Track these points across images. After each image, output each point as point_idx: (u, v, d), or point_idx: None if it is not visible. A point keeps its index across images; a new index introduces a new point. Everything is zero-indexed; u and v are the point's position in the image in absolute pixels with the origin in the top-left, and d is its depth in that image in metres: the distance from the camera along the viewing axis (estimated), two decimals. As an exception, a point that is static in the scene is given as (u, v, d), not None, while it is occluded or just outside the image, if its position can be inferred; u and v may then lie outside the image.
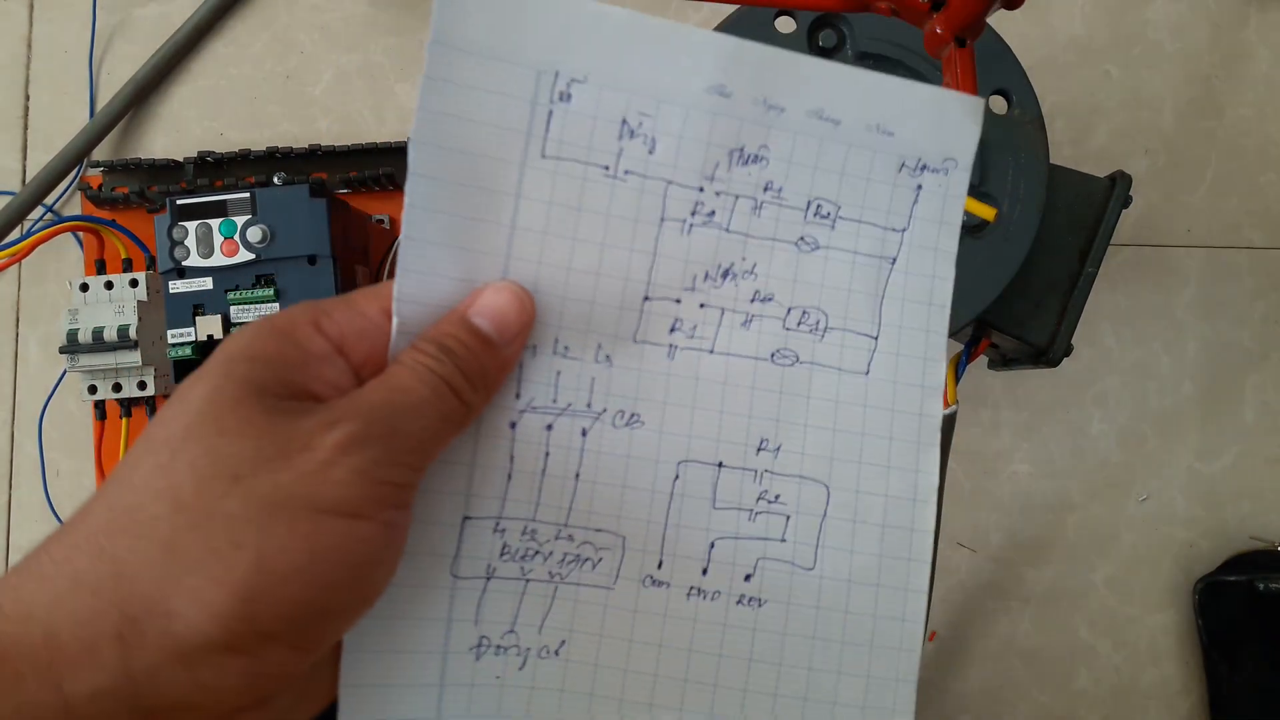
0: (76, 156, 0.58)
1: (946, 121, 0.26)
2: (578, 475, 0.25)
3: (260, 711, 0.21)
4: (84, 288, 0.51)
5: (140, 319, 0.51)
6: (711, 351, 0.26)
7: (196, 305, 0.46)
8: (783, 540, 0.26)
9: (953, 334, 0.43)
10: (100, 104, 0.60)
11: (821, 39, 0.42)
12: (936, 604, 0.57)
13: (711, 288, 0.26)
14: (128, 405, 0.54)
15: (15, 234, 0.58)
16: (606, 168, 0.24)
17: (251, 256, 0.46)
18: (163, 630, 0.18)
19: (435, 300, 0.23)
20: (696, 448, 0.26)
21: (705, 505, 0.26)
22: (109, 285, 0.51)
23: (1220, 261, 0.59)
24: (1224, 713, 0.56)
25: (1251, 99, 0.59)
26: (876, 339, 0.26)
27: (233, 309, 0.46)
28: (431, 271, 0.23)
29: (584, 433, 0.25)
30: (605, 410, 0.25)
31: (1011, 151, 0.42)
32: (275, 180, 0.52)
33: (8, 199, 0.58)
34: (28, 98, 0.61)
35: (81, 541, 0.19)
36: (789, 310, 0.26)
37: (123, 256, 0.54)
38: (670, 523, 0.26)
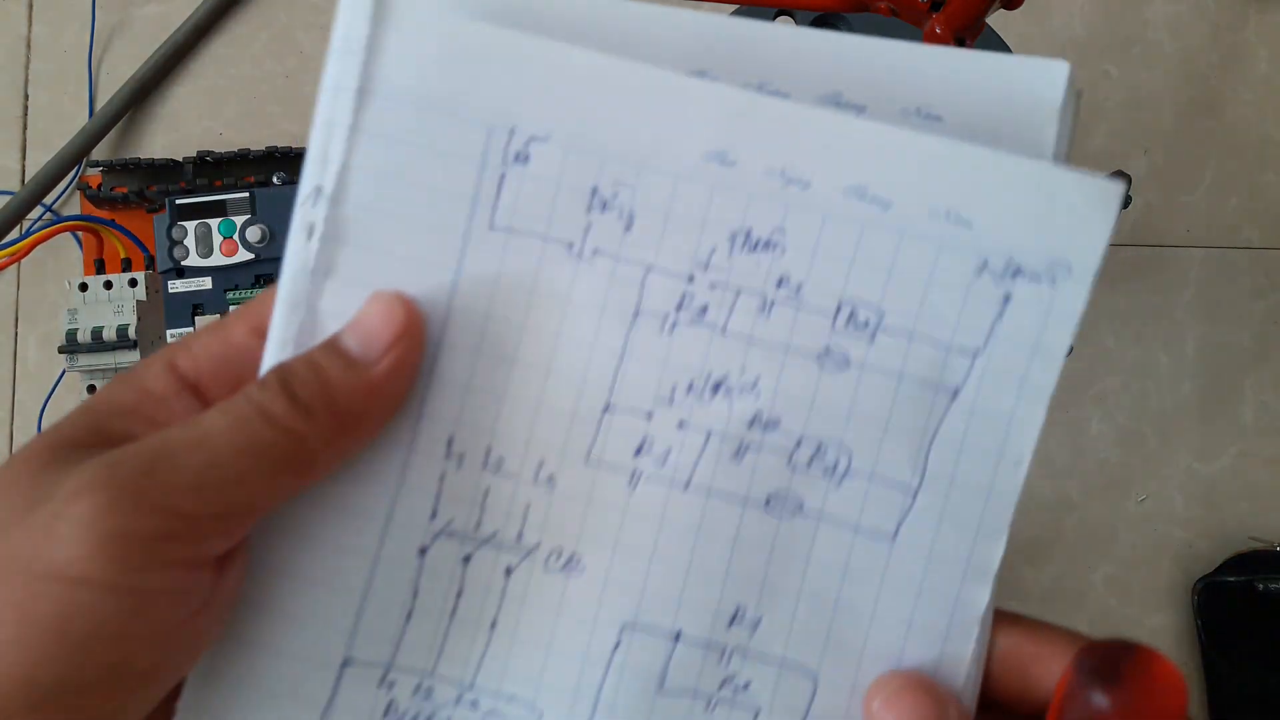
0: (76, 156, 0.58)
1: (1058, 211, 0.19)
2: (494, 625, 0.20)
3: None
4: (83, 287, 0.51)
5: (139, 319, 0.51)
6: (686, 487, 0.20)
7: (196, 305, 0.46)
8: None
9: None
10: (100, 104, 0.60)
11: (821, 39, 0.42)
12: (936, 604, 0.57)
13: (695, 404, 0.20)
14: (127, 405, 0.54)
15: (14, 234, 0.58)
16: (570, 245, 0.20)
17: (251, 256, 0.46)
18: None
19: None
20: (649, 609, 0.20)
21: (650, 685, 0.20)
22: (108, 285, 0.51)
23: (1220, 261, 0.59)
24: (1223, 713, 0.56)
25: (1251, 99, 0.59)
26: (915, 494, 0.20)
27: (232, 309, 0.46)
28: None
29: (508, 571, 0.20)
30: (539, 545, 0.20)
31: (1011, 151, 0.42)
32: (275, 180, 0.52)
33: (7, 199, 0.58)
34: (27, 97, 0.61)
35: None
36: (799, 442, 0.20)
37: (122, 256, 0.54)
38: (602, 701, 0.20)
